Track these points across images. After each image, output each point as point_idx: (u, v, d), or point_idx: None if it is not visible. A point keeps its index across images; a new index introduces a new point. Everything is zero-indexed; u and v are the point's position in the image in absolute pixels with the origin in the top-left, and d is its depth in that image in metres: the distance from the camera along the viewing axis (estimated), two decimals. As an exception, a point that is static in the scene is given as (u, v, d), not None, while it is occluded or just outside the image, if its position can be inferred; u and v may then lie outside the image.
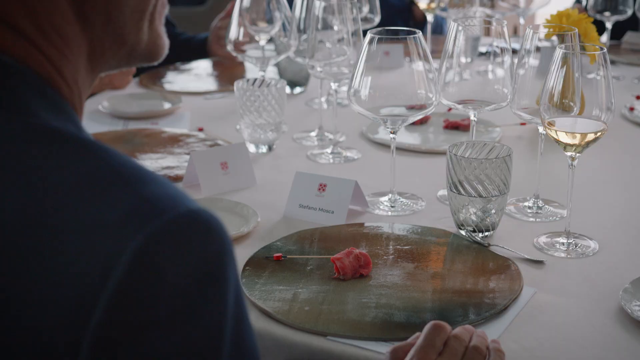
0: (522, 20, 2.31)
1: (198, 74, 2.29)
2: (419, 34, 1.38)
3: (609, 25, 2.26)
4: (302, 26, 1.74)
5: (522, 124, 1.80)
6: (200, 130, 1.80)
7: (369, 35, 1.37)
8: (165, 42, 0.75)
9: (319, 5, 1.60)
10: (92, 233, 0.56)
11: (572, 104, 1.27)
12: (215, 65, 2.38)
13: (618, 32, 2.88)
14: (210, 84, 2.22)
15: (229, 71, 2.32)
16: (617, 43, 2.55)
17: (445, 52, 1.43)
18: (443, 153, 1.70)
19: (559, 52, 1.24)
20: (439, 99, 1.39)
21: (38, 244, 0.56)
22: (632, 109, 1.92)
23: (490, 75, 1.45)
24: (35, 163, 0.59)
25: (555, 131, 1.25)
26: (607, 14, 2.25)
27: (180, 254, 0.56)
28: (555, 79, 1.24)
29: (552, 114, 1.25)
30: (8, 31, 0.64)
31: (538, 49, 2.31)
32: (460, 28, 1.43)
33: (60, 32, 0.66)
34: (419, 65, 1.38)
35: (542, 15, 2.29)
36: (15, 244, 0.56)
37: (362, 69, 1.37)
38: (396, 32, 1.39)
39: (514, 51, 1.44)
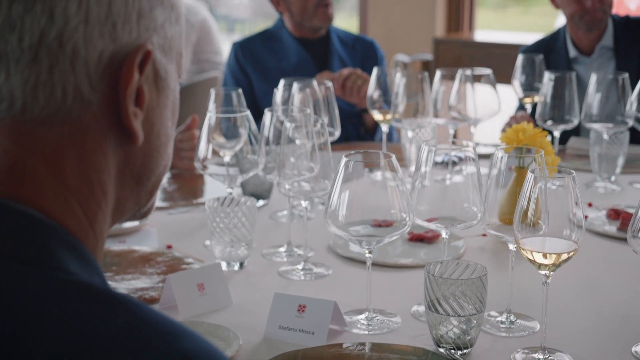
0: (472, 129, 2.40)
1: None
2: (393, 157, 1.43)
3: (556, 134, 2.36)
4: (269, 142, 1.78)
5: (484, 235, 1.85)
6: (170, 247, 1.81)
7: (344, 159, 1.41)
8: (153, 207, 0.85)
9: (289, 127, 1.65)
10: None
11: (541, 222, 1.32)
12: (175, 178, 2.39)
13: (563, 136, 3.01)
14: (172, 198, 2.23)
15: (189, 184, 2.33)
16: (563, 148, 2.66)
17: (418, 172, 1.49)
18: (410, 267, 1.74)
19: (530, 176, 1.30)
20: (412, 218, 1.44)
21: None
22: (586, 217, 1.99)
23: (461, 194, 1.50)
24: (73, 319, 0.61)
25: (530, 251, 1.30)
26: (553, 123, 2.36)
27: None
28: (526, 200, 1.30)
29: (525, 234, 1.30)
30: (53, 183, 0.69)
31: (487, 156, 2.39)
32: (431, 149, 1.48)
33: (104, 187, 0.72)
34: (393, 184, 1.42)
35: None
36: None
37: (338, 190, 1.41)
38: (371, 156, 1.44)
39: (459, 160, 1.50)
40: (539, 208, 1.32)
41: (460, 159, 2.42)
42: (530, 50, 2.97)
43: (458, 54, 4.70)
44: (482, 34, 5.25)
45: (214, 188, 2.28)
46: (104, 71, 0.68)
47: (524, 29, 16.76)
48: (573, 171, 1.32)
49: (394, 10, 5.27)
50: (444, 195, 1.57)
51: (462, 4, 5.15)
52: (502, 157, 1.45)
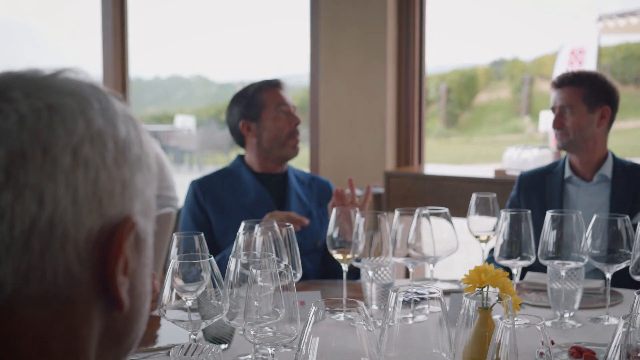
0: (432, 267, 2.42)
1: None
2: (362, 304, 1.42)
3: (515, 271, 2.39)
4: (232, 287, 1.77)
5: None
6: (130, 398, 1.75)
7: (314, 308, 1.40)
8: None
9: (256, 273, 1.64)
10: None
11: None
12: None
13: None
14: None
15: (148, 328, 2.28)
16: (520, 283, 2.69)
17: (386, 318, 1.48)
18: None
19: (501, 325, 1.31)
20: (383, 366, 1.42)
21: None
22: (541, 353, 1.99)
23: (430, 339, 1.49)
24: None
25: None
26: (511, 260, 2.39)
27: None
28: (497, 348, 1.31)
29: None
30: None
31: (448, 293, 2.40)
32: (399, 298, 1.48)
33: (86, 355, 0.72)
34: (362, 331, 1.41)
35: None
36: None
37: (307, 338, 1.39)
38: (340, 303, 1.44)
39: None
40: (508, 353, 1.32)
41: (423, 298, 2.43)
42: (532, 173, 3.23)
43: (409, 187, 4.79)
44: (432, 168, 5.37)
45: (172, 332, 2.23)
46: (93, 248, 0.68)
47: (467, 158, 17.27)
48: (542, 319, 1.32)
49: (344, 144, 5.39)
50: (412, 341, 1.56)
51: (411, 138, 5.29)
52: (469, 302, 1.46)
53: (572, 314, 2.34)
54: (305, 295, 2.30)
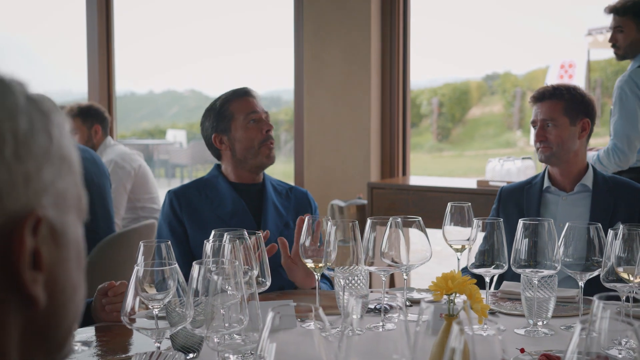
0: (405, 276, 2.41)
1: (86, 342, 2.24)
2: (320, 310, 1.41)
3: (487, 279, 2.39)
4: (198, 294, 1.76)
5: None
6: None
7: (271, 314, 1.39)
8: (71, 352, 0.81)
9: (217, 279, 1.63)
10: None
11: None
12: (104, 332, 2.33)
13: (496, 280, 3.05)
14: (100, 354, 2.16)
15: (117, 338, 2.27)
16: (494, 292, 2.68)
17: (346, 322, 1.47)
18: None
19: (455, 329, 1.29)
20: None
21: None
22: (514, 362, 1.98)
23: (390, 344, 1.48)
24: None
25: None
26: (484, 268, 2.38)
27: None
28: (451, 353, 1.30)
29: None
30: None
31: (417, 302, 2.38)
32: (358, 300, 1.47)
33: (6, 354, 0.70)
34: (321, 336, 1.40)
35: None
36: None
37: (265, 343, 1.38)
38: (300, 307, 1.43)
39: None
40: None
41: (391, 306, 2.42)
42: (512, 187, 3.27)
43: (393, 198, 4.78)
44: (417, 179, 5.37)
45: (145, 341, 2.22)
46: None
47: (459, 172, 17.28)
48: (497, 322, 1.31)
49: (329, 156, 5.38)
50: (374, 346, 1.55)
51: (396, 150, 5.29)
52: (427, 307, 1.45)
53: (545, 322, 2.34)
54: (277, 305, 2.29)
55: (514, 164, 4.70)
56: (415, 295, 2.72)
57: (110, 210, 4.31)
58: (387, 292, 1.69)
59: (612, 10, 4.34)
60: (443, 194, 4.65)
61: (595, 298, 1.48)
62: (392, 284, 5.19)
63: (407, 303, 2.57)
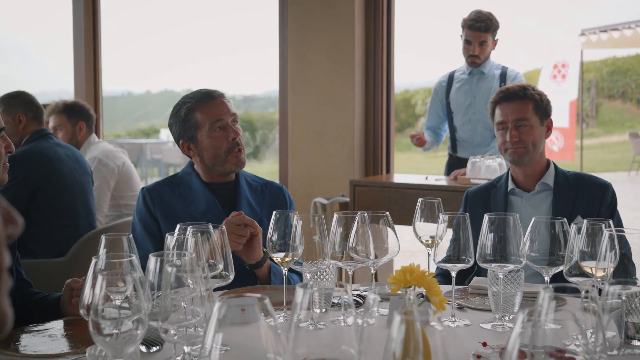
0: (373, 271, 2.42)
1: (53, 335, 2.25)
2: (267, 299, 1.42)
3: (453, 274, 2.40)
4: (155, 287, 1.77)
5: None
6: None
7: (218, 303, 1.40)
8: (8, 316, 0.80)
9: (171, 271, 1.64)
10: None
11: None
12: (69, 325, 2.34)
13: (464, 275, 3.07)
14: (64, 346, 2.17)
15: (84, 331, 2.28)
16: (464, 287, 2.69)
17: (294, 313, 1.48)
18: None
19: (396, 319, 1.31)
20: (288, 362, 1.42)
21: None
22: (479, 356, 1.99)
23: (339, 336, 1.49)
24: None
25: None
26: (450, 263, 2.39)
27: None
28: (393, 342, 1.31)
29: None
30: None
31: (387, 299, 2.40)
32: (306, 291, 1.48)
33: None
34: (266, 328, 1.41)
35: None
36: None
37: (211, 335, 1.39)
38: (247, 299, 1.44)
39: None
40: (414, 350, 1.32)
41: (361, 301, 2.43)
42: (478, 189, 3.30)
43: (375, 196, 4.80)
44: (399, 177, 5.38)
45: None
46: None
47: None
48: (433, 310, 1.32)
49: (313, 154, 5.39)
50: (324, 338, 1.56)
51: (379, 148, 5.30)
52: (374, 299, 1.46)
53: (512, 317, 2.35)
54: (243, 300, 2.30)
55: (494, 161, 4.71)
56: (387, 289, 2.73)
57: (91, 207, 4.32)
58: (337, 285, 1.69)
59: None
60: (425, 191, 4.66)
61: (542, 289, 1.49)
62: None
63: (379, 298, 2.58)
